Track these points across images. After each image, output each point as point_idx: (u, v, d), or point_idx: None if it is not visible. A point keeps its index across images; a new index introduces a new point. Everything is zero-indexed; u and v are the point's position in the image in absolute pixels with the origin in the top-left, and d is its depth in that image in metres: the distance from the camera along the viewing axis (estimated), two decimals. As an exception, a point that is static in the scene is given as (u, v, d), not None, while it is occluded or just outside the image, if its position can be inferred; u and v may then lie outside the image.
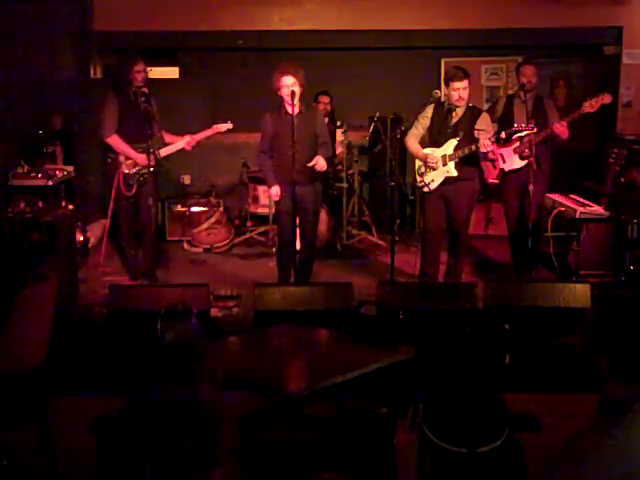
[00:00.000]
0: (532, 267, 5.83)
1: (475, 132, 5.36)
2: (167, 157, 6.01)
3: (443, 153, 5.47)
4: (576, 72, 8.74)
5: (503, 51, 8.64)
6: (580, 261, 5.85)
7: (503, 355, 4.24)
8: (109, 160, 5.91)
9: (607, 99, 5.56)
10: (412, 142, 5.67)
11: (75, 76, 8.04)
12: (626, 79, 8.24)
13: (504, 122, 5.76)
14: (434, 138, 5.56)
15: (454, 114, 5.47)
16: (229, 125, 5.99)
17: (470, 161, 5.44)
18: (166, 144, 5.98)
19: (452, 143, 5.42)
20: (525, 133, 5.35)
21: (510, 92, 6.68)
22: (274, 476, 2.99)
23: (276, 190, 5.54)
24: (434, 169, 5.51)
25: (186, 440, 2.16)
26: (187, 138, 5.97)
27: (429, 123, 5.58)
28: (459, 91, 5.36)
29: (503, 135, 5.25)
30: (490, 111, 6.04)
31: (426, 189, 5.60)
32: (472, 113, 5.48)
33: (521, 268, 5.95)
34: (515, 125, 5.32)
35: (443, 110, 5.50)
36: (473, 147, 5.28)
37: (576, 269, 5.85)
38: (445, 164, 5.46)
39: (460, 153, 5.37)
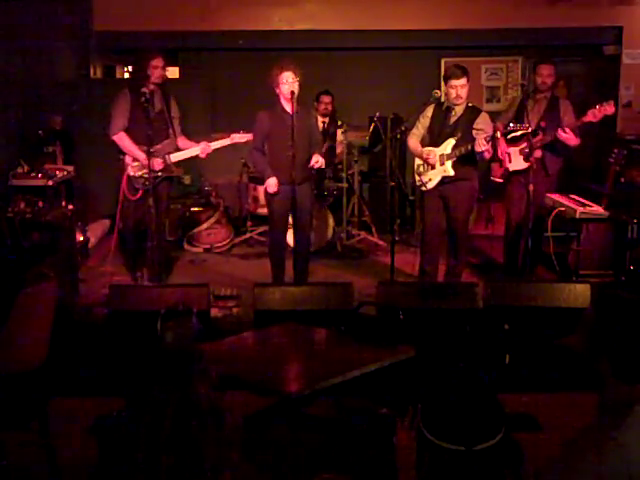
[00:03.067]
0: (532, 267, 5.83)
1: (473, 132, 5.36)
2: (178, 163, 5.80)
3: (441, 152, 5.47)
4: (576, 72, 8.74)
5: (503, 51, 8.65)
6: (580, 261, 5.85)
7: (503, 355, 4.24)
8: (119, 161, 5.71)
9: (610, 109, 5.48)
10: (413, 141, 5.68)
11: (75, 76, 8.04)
12: (626, 79, 8.25)
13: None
14: (434, 138, 5.56)
15: (453, 113, 5.47)
16: (248, 136, 5.70)
17: (468, 161, 5.44)
18: (179, 149, 5.77)
19: (450, 143, 5.42)
20: (520, 133, 5.32)
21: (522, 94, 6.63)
22: (274, 476, 2.99)
23: (274, 181, 5.47)
24: (433, 167, 5.51)
25: (187, 440, 2.16)
26: (202, 144, 5.74)
27: (429, 123, 5.59)
28: (457, 89, 5.35)
29: (498, 135, 5.24)
30: (505, 112, 6.03)
31: (424, 188, 5.61)
32: (471, 112, 5.47)
33: (512, 271, 5.92)
34: (510, 125, 5.31)
35: (442, 109, 5.51)
36: (469, 146, 5.28)
37: (576, 269, 5.85)
38: (442, 163, 5.46)
39: (457, 152, 5.37)
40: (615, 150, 5.99)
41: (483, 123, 5.42)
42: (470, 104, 5.51)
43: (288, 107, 5.46)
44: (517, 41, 8.37)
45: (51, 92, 7.43)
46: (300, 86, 5.43)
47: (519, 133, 5.33)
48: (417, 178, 5.67)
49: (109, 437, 2.88)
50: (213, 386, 2.34)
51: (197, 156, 5.86)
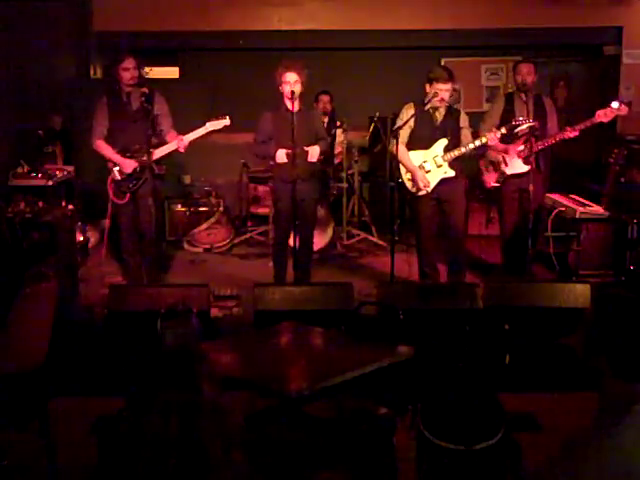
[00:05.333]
0: (530, 267, 5.83)
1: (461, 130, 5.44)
2: (159, 160, 5.67)
3: (435, 154, 5.47)
4: (576, 72, 8.74)
5: (503, 51, 8.64)
6: (580, 261, 5.86)
7: (503, 355, 4.24)
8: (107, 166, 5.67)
9: (623, 111, 5.48)
10: (403, 150, 5.51)
11: (75, 76, 8.04)
12: (626, 79, 8.24)
13: (506, 123, 5.70)
14: (423, 141, 5.51)
15: (437, 114, 5.47)
16: (226, 121, 5.56)
17: (456, 158, 5.48)
18: (159, 146, 5.65)
19: (442, 143, 5.43)
20: (526, 126, 5.33)
21: (509, 90, 6.65)
22: (274, 476, 2.99)
23: (283, 152, 5.42)
24: (428, 171, 5.50)
25: (192, 440, 2.16)
26: (177, 139, 5.60)
27: (413, 126, 5.48)
28: (441, 92, 5.34)
29: (504, 130, 5.25)
30: (490, 112, 6.03)
31: (420, 193, 5.55)
32: (454, 112, 5.54)
33: (512, 271, 5.93)
34: (513, 122, 5.31)
35: (426, 112, 5.46)
36: (477, 142, 5.30)
37: (576, 269, 5.86)
38: (440, 165, 5.46)
39: (457, 152, 5.38)
40: (615, 150, 5.99)
41: (466, 121, 5.52)
42: (446, 104, 5.51)
43: (290, 106, 5.47)
44: (517, 41, 8.36)
45: (51, 92, 7.42)
46: (305, 86, 5.45)
47: (525, 126, 5.33)
48: (410, 184, 5.59)
49: (109, 437, 2.88)
50: (217, 386, 2.34)
51: (193, 152, 5.79)
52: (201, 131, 5.60)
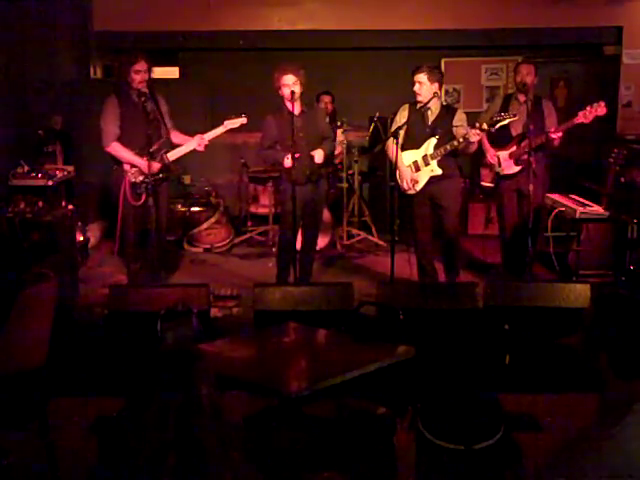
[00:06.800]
0: (530, 267, 5.83)
1: (454, 129, 5.40)
2: (177, 160, 5.68)
3: (424, 153, 5.47)
4: (576, 72, 8.75)
5: (503, 51, 8.65)
6: (580, 261, 5.86)
7: (503, 355, 4.24)
8: (114, 168, 5.57)
9: (601, 111, 5.44)
10: (394, 149, 5.45)
11: (75, 76, 8.04)
12: (626, 79, 8.25)
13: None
14: (412, 139, 5.52)
15: (429, 113, 5.48)
16: (243, 120, 5.57)
17: (450, 157, 5.47)
18: (174, 146, 5.64)
19: (432, 142, 5.43)
20: (507, 121, 5.30)
21: (509, 92, 6.66)
22: (274, 476, 2.99)
23: (289, 158, 5.41)
24: (418, 169, 5.50)
25: (190, 440, 2.16)
26: (197, 138, 5.59)
27: (406, 127, 5.47)
28: (415, 85, 5.36)
29: (485, 126, 5.22)
30: (487, 110, 6.04)
31: (411, 191, 5.57)
32: (447, 111, 5.52)
33: (512, 271, 5.94)
34: (495, 117, 5.30)
35: (418, 110, 5.46)
36: (459, 140, 5.29)
37: (576, 269, 5.86)
38: (428, 164, 5.46)
39: (442, 150, 5.37)
40: (615, 150, 5.99)
41: (462, 120, 5.47)
42: (444, 103, 5.52)
43: (291, 108, 5.48)
44: (517, 41, 8.37)
45: (51, 92, 7.42)
46: (304, 86, 5.46)
47: (506, 121, 5.30)
48: (401, 183, 5.62)
49: (109, 437, 2.88)
50: (213, 386, 2.34)
51: (195, 151, 5.71)
52: (220, 130, 5.63)
